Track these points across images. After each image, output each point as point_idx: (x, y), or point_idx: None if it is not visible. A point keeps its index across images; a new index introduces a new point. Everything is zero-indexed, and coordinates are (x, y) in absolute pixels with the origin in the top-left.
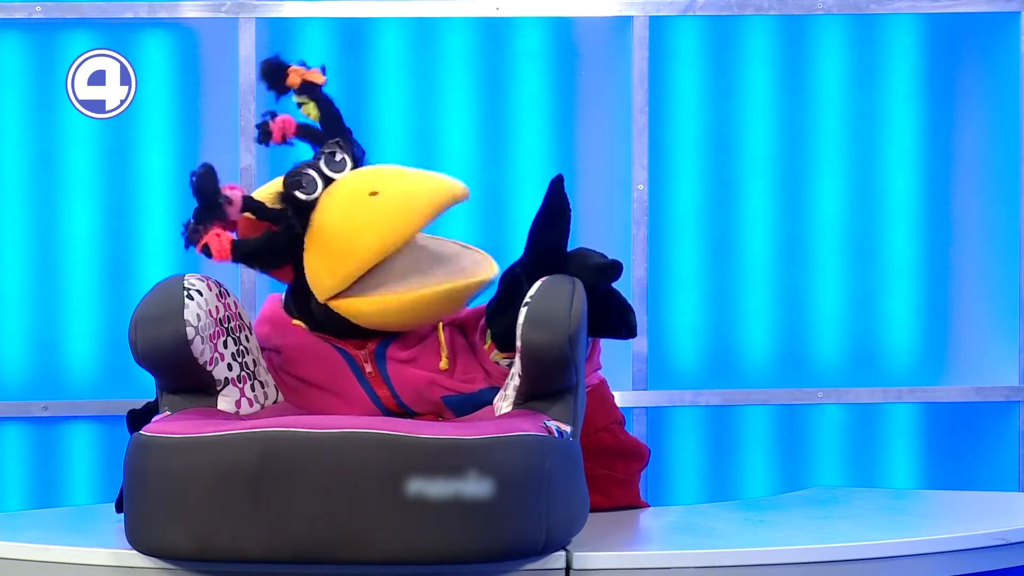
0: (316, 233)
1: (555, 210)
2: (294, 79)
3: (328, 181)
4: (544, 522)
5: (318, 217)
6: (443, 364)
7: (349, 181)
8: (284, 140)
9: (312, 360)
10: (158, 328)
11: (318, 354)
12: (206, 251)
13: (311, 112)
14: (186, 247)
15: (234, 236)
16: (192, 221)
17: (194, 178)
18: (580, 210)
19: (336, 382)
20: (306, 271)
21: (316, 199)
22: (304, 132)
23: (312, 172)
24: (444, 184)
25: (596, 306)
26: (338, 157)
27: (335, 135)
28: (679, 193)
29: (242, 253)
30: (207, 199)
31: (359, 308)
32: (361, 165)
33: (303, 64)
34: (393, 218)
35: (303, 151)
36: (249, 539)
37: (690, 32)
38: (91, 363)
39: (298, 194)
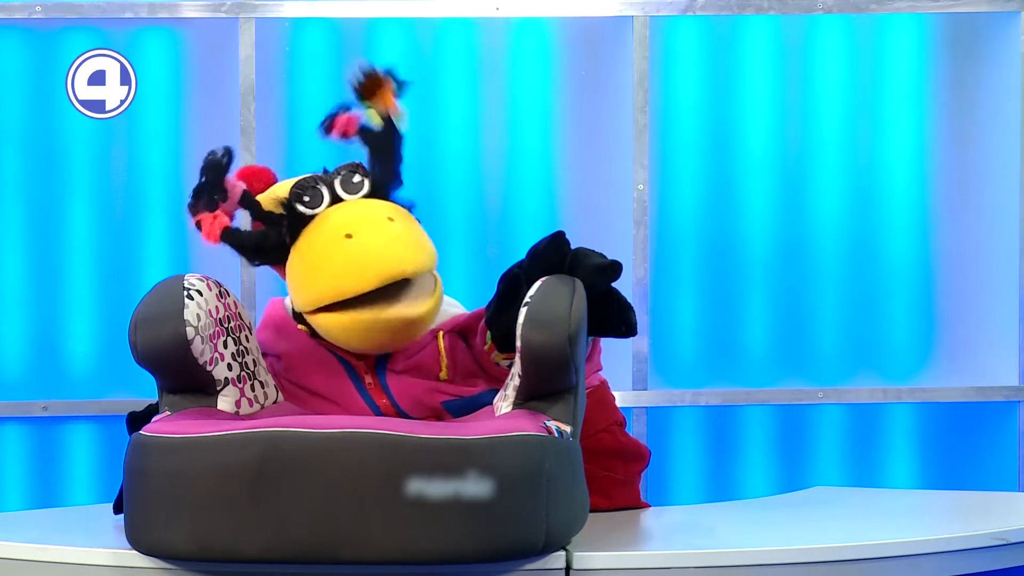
0: (298, 250)
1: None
2: (381, 104)
3: (336, 200)
4: (544, 522)
5: (307, 235)
6: (443, 375)
7: (335, 216)
8: (344, 136)
9: (312, 367)
10: (158, 328)
11: (319, 362)
12: (199, 227)
13: (375, 120)
14: (189, 214)
15: (228, 223)
16: (191, 198)
17: (206, 159)
18: (580, 210)
19: (335, 390)
20: (287, 279)
21: (316, 214)
22: (365, 136)
23: (323, 188)
24: (397, 257)
25: (596, 305)
26: (356, 179)
27: (385, 153)
28: (679, 193)
29: (229, 242)
30: (206, 184)
31: (322, 324)
32: (390, 194)
33: (391, 76)
34: (354, 267)
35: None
36: (249, 539)
37: (690, 32)
38: (91, 363)
39: (299, 207)
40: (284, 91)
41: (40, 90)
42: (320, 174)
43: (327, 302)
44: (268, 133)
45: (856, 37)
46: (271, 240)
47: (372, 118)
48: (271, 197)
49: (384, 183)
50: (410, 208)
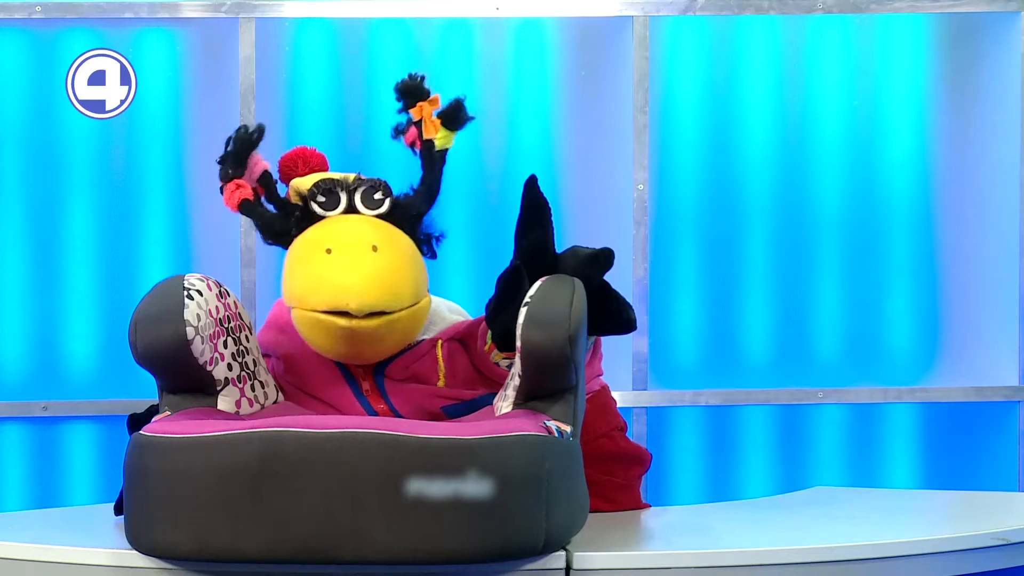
0: (294, 244)
1: (534, 208)
2: (416, 113)
3: (351, 209)
4: (544, 522)
5: (305, 233)
6: (440, 383)
7: (330, 226)
8: (411, 147)
9: (311, 371)
10: (158, 328)
11: (317, 366)
12: (222, 192)
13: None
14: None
15: (250, 195)
16: (219, 165)
17: (236, 132)
18: (580, 210)
19: (333, 394)
20: (284, 269)
21: (325, 216)
22: (426, 150)
23: (342, 194)
24: (350, 289)
25: (594, 301)
26: (376, 196)
27: (425, 178)
28: (679, 193)
29: (245, 214)
30: (228, 156)
31: (295, 318)
32: (416, 219)
33: (459, 105)
34: (313, 283)
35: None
36: (249, 539)
37: (690, 32)
38: (91, 363)
39: (314, 204)
40: (284, 91)
41: (40, 90)
42: (347, 180)
43: (293, 304)
44: (268, 133)
45: (856, 37)
46: (278, 225)
47: (440, 142)
48: (296, 187)
49: (414, 207)
50: (438, 239)
